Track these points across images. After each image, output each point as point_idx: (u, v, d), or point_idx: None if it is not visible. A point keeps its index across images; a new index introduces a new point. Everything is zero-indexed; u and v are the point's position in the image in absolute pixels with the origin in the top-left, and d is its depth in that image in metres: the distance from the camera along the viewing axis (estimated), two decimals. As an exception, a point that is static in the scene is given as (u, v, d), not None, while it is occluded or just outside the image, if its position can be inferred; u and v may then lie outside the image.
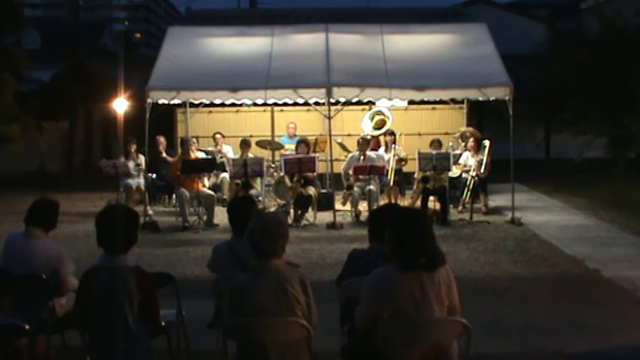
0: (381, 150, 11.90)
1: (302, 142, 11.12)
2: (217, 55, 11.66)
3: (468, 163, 11.21)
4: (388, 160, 11.29)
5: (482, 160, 10.99)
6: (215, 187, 11.69)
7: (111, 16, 72.88)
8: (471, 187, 10.88)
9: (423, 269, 3.28)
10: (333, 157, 11.12)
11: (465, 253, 8.37)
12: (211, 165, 11.15)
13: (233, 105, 12.52)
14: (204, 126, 14.22)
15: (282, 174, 10.90)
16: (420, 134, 14.27)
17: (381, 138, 12.36)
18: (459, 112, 13.82)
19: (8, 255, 4.50)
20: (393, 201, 11.07)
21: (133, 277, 3.53)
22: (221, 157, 12.16)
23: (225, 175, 11.69)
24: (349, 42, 11.81)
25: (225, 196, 11.75)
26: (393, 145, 11.61)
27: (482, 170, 10.96)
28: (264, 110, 14.16)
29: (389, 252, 3.40)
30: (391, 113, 12.79)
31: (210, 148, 12.76)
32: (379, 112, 12.71)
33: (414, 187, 11.60)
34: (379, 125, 12.62)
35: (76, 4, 74.06)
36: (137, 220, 3.76)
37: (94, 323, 3.57)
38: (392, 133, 11.85)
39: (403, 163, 11.65)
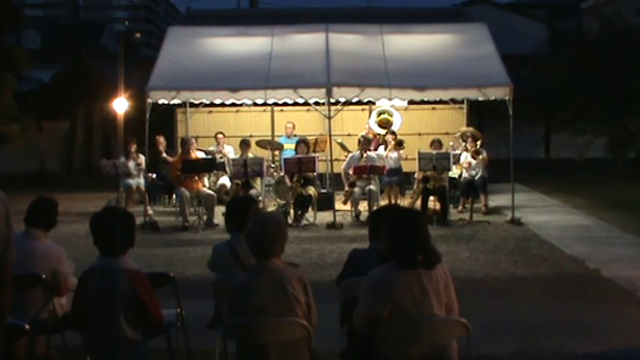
0: (381, 149, 11.92)
1: (302, 142, 11.13)
2: (217, 55, 11.66)
3: (467, 160, 11.23)
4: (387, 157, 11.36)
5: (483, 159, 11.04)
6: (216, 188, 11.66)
7: (111, 16, 72.94)
8: (471, 186, 10.93)
9: (421, 267, 3.29)
10: (333, 157, 11.13)
11: (465, 253, 8.36)
12: (211, 165, 11.15)
13: (233, 105, 12.52)
14: (204, 126, 14.22)
15: (282, 174, 10.90)
16: (420, 134, 14.28)
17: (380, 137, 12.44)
18: (459, 112, 13.82)
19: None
20: (393, 201, 11.09)
21: (128, 281, 3.48)
22: (221, 158, 12.15)
23: (224, 180, 11.65)
24: (349, 42, 11.81)
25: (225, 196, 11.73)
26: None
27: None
28: (264, 110, 14.16)
29: (385, 252, 3.40)
30: (400, 114, 12.80)
31: (211, 148, 12.75)
32: (385, 112, 12.77)
33: (414, 187, 11.60)
34: (383, 124, 12.67)
35: (76, 4, 74.03)
36: (133, 223, 3.72)
37: (89, 325, 3.56)
38: (393, 133, 11.95)
39: (403, 154, 11.62)
